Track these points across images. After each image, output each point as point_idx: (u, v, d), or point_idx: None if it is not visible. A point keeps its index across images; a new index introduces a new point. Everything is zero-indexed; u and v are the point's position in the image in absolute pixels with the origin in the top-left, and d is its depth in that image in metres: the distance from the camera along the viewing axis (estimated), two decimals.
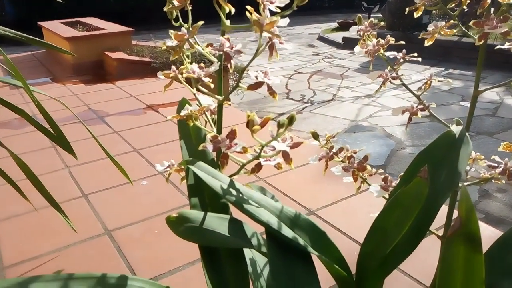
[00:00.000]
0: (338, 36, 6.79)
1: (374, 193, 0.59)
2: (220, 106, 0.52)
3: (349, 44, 6.16)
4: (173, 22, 0.49)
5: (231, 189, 0.49)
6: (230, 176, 0.51)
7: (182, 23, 0.48)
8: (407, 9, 0.61)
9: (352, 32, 0.62)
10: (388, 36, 0.61)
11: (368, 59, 0.60)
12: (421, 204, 0.46)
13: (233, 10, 0.46)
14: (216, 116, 0.55)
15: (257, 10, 0.43)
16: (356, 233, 1.22)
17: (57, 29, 3.96)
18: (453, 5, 0.56)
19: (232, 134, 0.46)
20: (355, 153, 0.63)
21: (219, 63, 0.48)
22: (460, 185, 0.53)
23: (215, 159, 0.55)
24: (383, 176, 0.61)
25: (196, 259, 1.13)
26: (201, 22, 0.45)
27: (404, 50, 0.61)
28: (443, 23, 0.58)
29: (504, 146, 0.59)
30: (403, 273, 1.05)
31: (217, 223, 0.50)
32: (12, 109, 0.91)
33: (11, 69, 0.79)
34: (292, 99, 3.86)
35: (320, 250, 0.49)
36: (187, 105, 0.50)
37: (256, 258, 0.59)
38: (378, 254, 0.51)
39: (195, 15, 0.49)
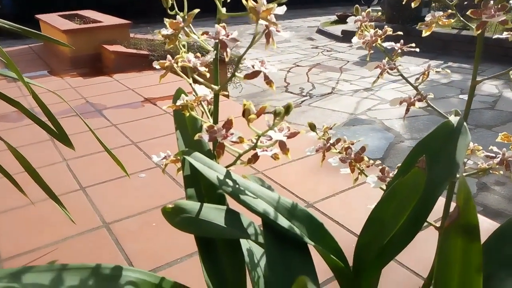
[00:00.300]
0: (337, 29, 6.76)
1: (371, 184, 0.58)
2: (216, 96, 0.52)
3: (348, 37, 6.14)
4: (168, 11, 0.48)
5: (227, 180, 0.48)
6: (226, 167, 0.51)
7: (178, 11, 0.47)
8: (405, 0, 0.60)
9: (350, 23, 0.61)
10: (386, 26, 0.60)
11: (366, 52, 0.59)
12: (419, 195, 0.46)
13: None
14: (212, 106, 0.55)
15: None
16: (354, 225, 1.22)
17: (54, 22, 3.93)
18: None
19: (228, 124, 0.45)
20: (352, 144, 0.63)
21: (215, 52, 0.48)
22: (458, 175, 0.53)
23: (212, 150, 0.55)
24: (380, 168, 0.61)
25: (194, 251, 1.13)
26: (196, 10, 0.45)
27: (402, 41, 0.60)
28: (441, 13, 0.57)
29: (502, 136, 0.58)
30: (400, 264, 1.05)
31: (213, 214, 0.50)
32: (9, 102, 0.90)
33: (6, 61, 0.78)
34: (291, 92, 3.85)
35: (317, 240, 0.49)
36: (183, 95, 0.50)
37: (253, 249, 0.58)
38: (376, 245, 0.51)
39: (192, 7, 0.48)
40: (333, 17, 8.03)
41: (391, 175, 0.59)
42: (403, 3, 0.62)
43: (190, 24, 0.48)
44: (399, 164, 0.58)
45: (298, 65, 4.87)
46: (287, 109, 0.42)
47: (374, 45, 0.60)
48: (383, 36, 0.59)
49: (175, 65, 0.47)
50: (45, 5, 6.87)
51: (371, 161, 0.63)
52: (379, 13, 0.68)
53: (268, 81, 0.46)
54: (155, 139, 1.95)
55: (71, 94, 2.74)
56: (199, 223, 0.49)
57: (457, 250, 0.35)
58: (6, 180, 0.97)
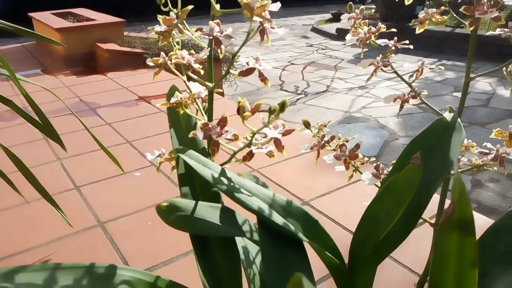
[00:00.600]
0: (331, 27, 6.77)
1: (366, 181, 0.59)
2: (210, 93, 0.51)
3: (342, 35, 6.12)
4: (162, 8, 0.48)
5: (222, 178, 0.48)
6: (221, 165, 0.51)
7: (171, 8, 0.47)
8: None
9: (344, 20, 0.61)
10: (380, 23, 0.60)
11: (361, 50, 0.59)
12: (414, 191, 0.46)
13: None
14: (207, 104, 0.55)
15: None
16: (349, 222, 1.22)
17: (47, 20, 3.90)
18: None
19: (223, 122, 0.45)
20: (347, 141, 0.63)
21: (209, 48, 0.47)
22: (452, 172, 0.53)
23: (206, 148, 0.55)
24: (375, 165, 0.61)
25: (190, 250, 1.12)
26: (190, 7, 0.44)
27: (395, 38, 0.60)
28: (435, 9, 0.57)
29: (496, 133, 0.58)
30: (395, 261, 1.05)
31: (208, 211, 0.50)
32: (1, 101, 0.89)
33: None
34: (286, 91, 3.85)
35: (312, 237, 0.49)
36: (177, 93, 0.49)
37: (248, 247, 0.58)
38: (371, 242, 0.51)
39: (186, 5, 0.47)
40: (328, 15, 8.04)
41: (385, 172, 0.59)
42: (397, 0, 0.62)
43: (184, 21, 0.48)
44: (394, 161, 0.58)
45: (293, 63, 4.87)
46: (282, 106, 0.42)
47: (368, 42, 0.60)
48: (376, 34, 0.59)
49: (168, 62, 0.47)
50: (39, 3, 6.81)
51: (366, 158, 0.63)
52: (373, 11, 0.68)
53: (262, 78, 0.46)
54: (149, 137, 1.94)
55: (64, 92, 2.72)
56: (194, 221, 0.48)
57: (452, 245, 0.35)
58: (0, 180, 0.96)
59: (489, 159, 0.58)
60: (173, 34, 0.49)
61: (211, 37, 0.45)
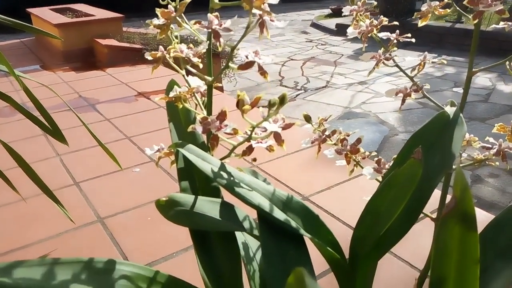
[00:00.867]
0: (331, 23, 6.74)
1: (368, 175, 0.58)
2: (210, 87, 0.51)
3: (342, 30, 6.13)
4: (160, 1, 0.47)
5: (222, 172, 0.48)
6: (221, 159, 0.50)
7: (169, 1, 0.46)
8: None
9: (345, 12, 0.61)
10: (382, 16, 0.60)
11: (361, 46, 0.58)
12: (415, 185, 0.46)
13: None
14: (206, 98, 0.54)
15: None
16: (350, 218, 1.22)
17: (46, 15, 3.88)
18: None
19: (222, 116, 0.45)
20: (348, 136, 0.63)
21: (208, 42, 0.47)
22: (454, 166, 0.53)
23: (206, 142, 0.54)
24: (376, 159, 0.60)
25: (189, 245, 1.12)
26: (188, 0, 0.44)
27: (397, 31, 0.60)
28: (437, 2, 0.56)
29: (498, 127, 0.58)
30: (396, 256, 1.05)
31: (208, 206, 0.49)
32: (0, 97, 0.88)
33: None
34: (286, 86, 3.84)
35: (312, 232, 0.49)
36: (175, 87, 0.49)
37: (248, 242, 0.58)
38: (372, 236, 0.50)
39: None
40: (327, 11, 8.01)
41: (387, 166, 0.59)
42: None
43: (183, 14, 0.47)
44: (395, 156, 0.57)
45: (292, 59, 4.86)
46: (282, 99, 0.41)
47: (369, 35, 0.59)
48: (378, 27, 0.58)
49: (167, 56, 0.46)
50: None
51: (367, 153, 0.63)
52: (374, 4, 0.67)
53: (262, 71, 0.45)
54: (149, 133, 1.93)
55: (63, 88, 2.71)
56: (194, 216, 0.48)
57: (454, 239, 0.35)
58: None
59: (491, 154, 0.58)
60: (172, 28, 0.49)
61: (209, 30, 0.44)
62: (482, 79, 3.74)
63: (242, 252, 0.56)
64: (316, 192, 1.37)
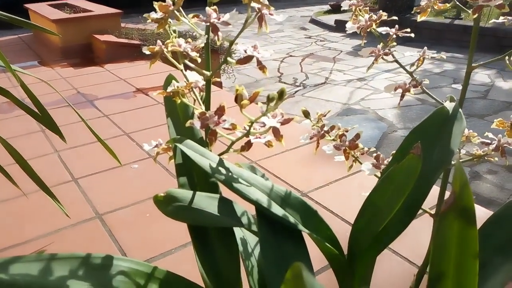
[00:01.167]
0: (330, 19, 6.73)
1: (366, 171, 0.58)
2: (208, 82, 0.51)
3: (341, 26, 6.12)
4: None
5: (220, 168, 0.48)
6: (219, 155, 0.50)
7: None
8: None
9: (344, 7, 0.60)
10: (381, 11, 0.59)
11: (360, 42, 0.58)
12: (414, 181, 0.46)
13: None
14: (204, 94, 0.54)
15: None
16: (348, 214, 1.22)
17: (43, 11, 3.86)
18: None
19: (220, 111, 0.44)
20: (346, 131, 0.62)
21: (206, 36, 0.46)
22: (453, 162, 0.53)
23: (204, 137, 0.54)
24: (375, 155, 0.60)
25: (188, 241, 1.12)
26: None
27: (397, 26, 0.59)
28: None
29: (497, 123, 0.58)
30: (394, 253, 1.05)
31: (206, 202, 0.49)
32: None
33: None
34: (284, 83, 3.83)
35: (311, 228, 0.49)
36: (173, 81, 0.48)
37: (247, 238, 0.58)
38: (370, 232, 0.50)
39: None
40: (326, 7, 7.99)
41: (385, 162, 0.59)
42: None
43: (181, 8, 0.47)
44: (394, 152, 0.57)
45: (291, 55, 4.85)
46: (281, 94, 0.41)
47: (368, 30, 0.59)
48: (377, 21, 0.58)
49: (165, 50, 0.46)
50: None
51: (366, 149, 0.63)
52: (372, 2, 0.67)
53: (260, 66, 0.45)
54: (147, 129, 1.93)
55: (62, 84, 2.70)
56: (192, 212, 0.48)
57: (453, 234, 0.34)
58: None
59: (490, 149, 0.57)
60: (170, 22, 0.48)
61: (208, 24, 0.44)
62: (481, 76, 3.74)
63: (240, 248, 0.55)
64: (315, 188, 1.37)
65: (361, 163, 0.61)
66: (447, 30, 5.21)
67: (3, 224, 1.24)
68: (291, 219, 0.47)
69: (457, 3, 0.56)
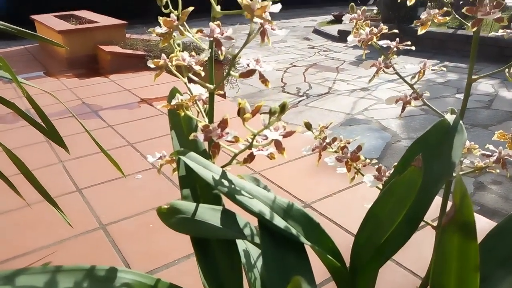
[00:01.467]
0: (333, 29, 6.77)
1: (368, 183, 0.58)
2: (211, 95, 0.51)
3: (344, 37, 6.15)
4: (163, 9, 0.48)
5: (223, 180, 0.48)
6: (222, 167, 0.51)
7: (172, 9, 0.47)
8: None
9: (346, 21, 0.61)
10: (381, 24, 0.60)
11: (363, 52, 0.59)
12: (415, 193, 0.46)
13: None
14: (208, 106, 0.54)
15: None
16: (351, 225, 1.22)
17: (49, 22, 3.91)
18: None
19: (223, 123, 0.45)
20: (348, 143, 0.63)
21: (210, 50, 0.47)
22: (454, 174, 0.53)
23: (207, 149, 0.55)
24: (376, 167, 0.60)
25: (191, 253, 1.12)
26: (191, 8, 0.44)
27: (397, 39, 0.60)
28: (437, 10, 0.57)
29: (498, 135, 0.58)
30: (397, 264, 1.05)
31: (209, 214, 0.49)
32: (3, 103, 0.89)
33: (0, 62, 0.78)
34: (288, 93, 3.85)
35: (313, 240, 0.49)
36: (177, 94, 0.49)
37: (249, 250, 0.58)
38: (373, 244, 0.50)
39: (187, 6, 0.47)
40: (330, 17, 8.05)
41: (387, 174, 0.59)
42: (399, 1, 0.62)
43: (185, 23, 0.48)
44: (396, 163, 0.58)
45: (294, 65, 4.87)
46: (283, 107, 0.42)
47: (369, 43, 0.59)
48: (378, 35, 0.58)
49: (169, 63, 0.47)
50: (41, 6, 6.84)
51: (368, 160, 0.63)
52: (375, 11, 0.68)
53: (263, 79, 0.45)
54: (151, 140, 1.94)
55: (67, 95, 2.72)
56: (195, 224, 0.48)
57: (454, 248, 0.35)
58: (1, 182, 0.96)
59: (491, 161, 0.58)
60: (174, 36, 0.49)
61: (211, 39, 0.45)
62: (485, 86, 3.73)
63: (243, 260, 0.56)
64: (318, 199, 1.37)
65: (363, 175, 0.61)
66: (450, 40, 5.22)
67: (7, 234, 1.25)
68: (293, 231, 0.48)
69: (457, 16, 0.57)
